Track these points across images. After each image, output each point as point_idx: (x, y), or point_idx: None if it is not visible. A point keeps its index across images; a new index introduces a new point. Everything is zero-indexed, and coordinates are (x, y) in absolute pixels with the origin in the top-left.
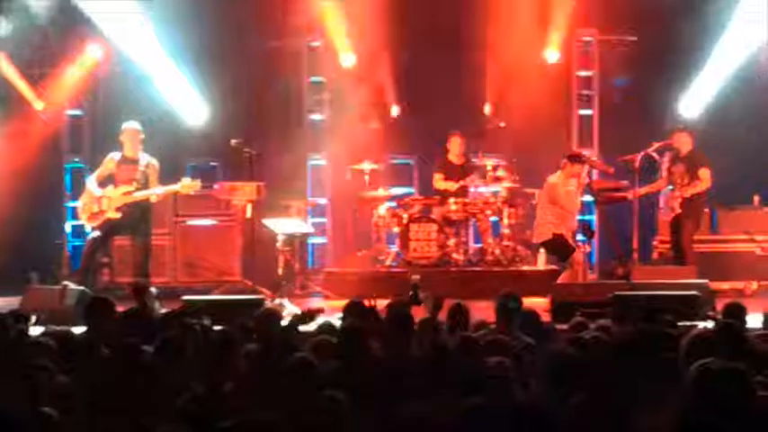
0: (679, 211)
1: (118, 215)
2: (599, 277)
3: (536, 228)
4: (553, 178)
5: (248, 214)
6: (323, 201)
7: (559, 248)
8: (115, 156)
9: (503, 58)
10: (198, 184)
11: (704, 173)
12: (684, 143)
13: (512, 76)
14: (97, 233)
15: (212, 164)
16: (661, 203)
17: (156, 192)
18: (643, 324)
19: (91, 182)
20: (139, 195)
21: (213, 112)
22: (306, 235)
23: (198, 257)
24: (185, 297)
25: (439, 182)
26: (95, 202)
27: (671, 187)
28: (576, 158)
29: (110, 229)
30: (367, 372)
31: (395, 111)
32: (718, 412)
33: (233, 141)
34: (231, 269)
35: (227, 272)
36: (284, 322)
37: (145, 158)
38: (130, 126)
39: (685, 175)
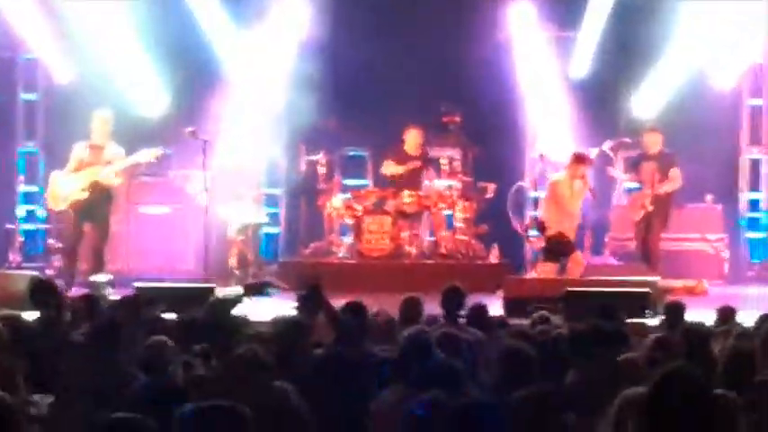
0: (651, 208)
1: (84, 195)
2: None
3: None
4: (558, 176)
5: (202, 202)
6: (277, 191)
7: (559, 246)
8: (82, 144)
9: (459, 51)
10: (158, 150)
11: (675, 172)
12: (654, 143)
13: (469, 70)
14: (72, 221)
15: (166, 152)
16: (614, 200)
17: (119, 166)
18: (596, 321)
19: (59, 172)
20: (105, 172)
21: (168, 100)
22: (259, 225)
23: (151, 245)
24: (137, 284)
25: (388, 167)
26: (62, 186)
27: (637, 185)
28: (582, 159)
29: (79, 211)
30: (306, 365)
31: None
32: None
33: (187, 129)
34: (184, 257)
35: (180, 260)
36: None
37: (112, 147)
38: (101, 114)
39: (657, 174)
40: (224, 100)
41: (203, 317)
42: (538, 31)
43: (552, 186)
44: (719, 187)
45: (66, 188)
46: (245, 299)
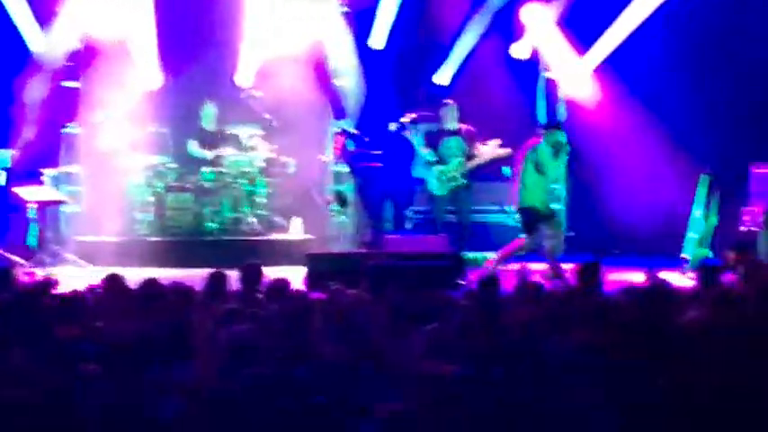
0: (463, 182)
1: None
2: (353, 247)
3: (517, 193)
4: (540, 146)
5: (1, 182)
6: (76, 169)
7: (529, 221)
8: None
9: (260, 29)
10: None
11: (484, 147)
12: (451, 119)
13: (269, 47)
14: None
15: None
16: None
17: None
18: (402, 294)
19: None
20: None
21: None
22: (59, 203)
23: None
24: None
25: (193, 148)
26: None
27: (433, 159)
28: (556, 126)
29: None
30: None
31: (150, 80)
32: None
33: None
34: None
35: None
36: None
37: None
38: None
39: (464, 147)
40: (23, 76)
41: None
42: (337, 5)
43: (535, 155)
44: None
45: None
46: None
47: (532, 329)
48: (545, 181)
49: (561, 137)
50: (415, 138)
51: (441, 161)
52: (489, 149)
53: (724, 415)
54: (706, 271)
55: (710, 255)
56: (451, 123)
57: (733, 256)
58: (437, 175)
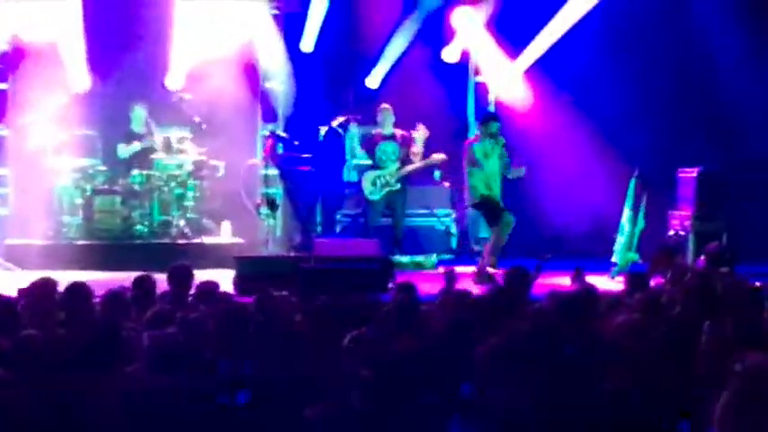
0: (398, 186)
1: None
2: (283, 250)
3: (465, 191)
4: (474, 142)
5: None
6: (4, 171)
7: (489, 211)
8: None
9: (190, 32)
10: None
11: (417, 150)
12: (387, 124)
13: (199, 50)
14: None
15: None
16: (345, 177)
17: None
18: (332, 297)
19: None
20: None
21: None
22: None
23: None
24: None
25: (122, 150)
26: None
27: (367, 162)
28: (491, 117)
29: None
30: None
31: (79, 83)
32: None
33: None
34: None
35: None
36: None
37: None
38: None
39: (399, 153)
40: None
41: None
42: (267, 7)
43: (469, 152)
44: (447, 163)
45: None
46: None
47: (456, 333)
48: (484, 176)
49: (496, 128)
50: (349, 141)
51: (376, 165)
52: (419, 151)
53: (653, 417)
54: (634, 275)
55: (638, 259)
56: (388, 128)
57: (660, 259)
58: (372, 179)
